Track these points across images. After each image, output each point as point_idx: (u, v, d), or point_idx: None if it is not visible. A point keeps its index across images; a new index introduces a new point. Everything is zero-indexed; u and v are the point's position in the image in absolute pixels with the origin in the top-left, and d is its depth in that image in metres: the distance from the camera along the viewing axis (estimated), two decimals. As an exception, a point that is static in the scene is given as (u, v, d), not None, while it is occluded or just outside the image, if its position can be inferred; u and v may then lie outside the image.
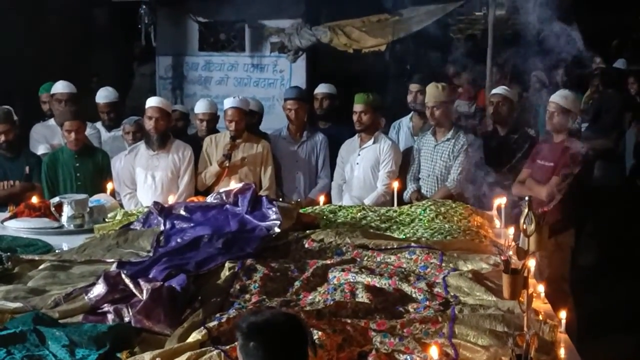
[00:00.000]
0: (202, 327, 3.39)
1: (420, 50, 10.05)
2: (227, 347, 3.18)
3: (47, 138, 7.28)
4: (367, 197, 6.49)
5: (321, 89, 7.44)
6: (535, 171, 6.13)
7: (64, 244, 5.03)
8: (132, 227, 5.09)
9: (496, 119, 6.86)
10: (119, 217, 5.52)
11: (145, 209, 5.41)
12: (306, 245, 4.61)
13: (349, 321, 3.51)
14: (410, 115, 7.26)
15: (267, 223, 4.77)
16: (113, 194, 6.26)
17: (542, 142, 6.38)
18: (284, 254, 4.55)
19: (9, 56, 9.26)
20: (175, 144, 6.60)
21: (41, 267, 4.49)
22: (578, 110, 6.28)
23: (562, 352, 3.33)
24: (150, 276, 3.97)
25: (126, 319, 3.61)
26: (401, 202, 6.15)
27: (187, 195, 6.36)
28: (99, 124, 7.51)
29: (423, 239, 4.82)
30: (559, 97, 6.04)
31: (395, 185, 6.07)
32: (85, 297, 3.82)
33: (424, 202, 5.76)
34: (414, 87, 7.12)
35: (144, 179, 6.53)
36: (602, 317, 6.45)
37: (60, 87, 7.33)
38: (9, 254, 4.56)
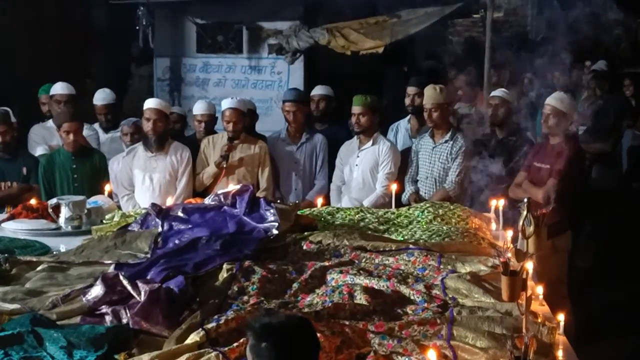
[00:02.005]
0: (200, 329, 3.37)
1: (418, 52, 10.06)
2: (226, 348, 3.17)
3: (45, 139, 7.27)
4: (366, 199, 6.50)
5: (317, 90, 7.47)
6: (532, 174, 6.14)
7: (62, 245, 5.01)
8: (130, 228, 5.08)
9: (494, 121, 6.87)
10: (116, 219, 5.51)
11: (143, 211, 5.40)
12: (304, 247, 4.60)
13: (347, 323, 3.50)
14: (408, 117, 7.27)
15: (265, 225, 4.76)
16: (111, 195, 6.25)
17: (539, 144, 6.39)
18: (282, 256, 4.54)
19: (7, 58, 9.26)
20: (173, 145, 6.59)
21: (39, 268, 4.47)
22: (574, 112, 6.30)
23: (560, 354, 3.33)
24: (148, 278, 3.96)
25: (124, 321, 3.60)
26: (399, 204, 6.15)
27: (185, 197, 6.35)
28: (96, 126, 7.51)
29: (421, 241, 4.81)
30: (554, 100, 6.05)
31: (394, 187, 6.07)
32: (83, 299, 3.81)
33: (422, 204, 5.76)
34: (411, 89, 7.13)
35: (142, 180, 6.52)
36: (600, 319, 6.45)
37: (60, 88, 7.33)
38: (6, 255, 4.54)
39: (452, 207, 5.53)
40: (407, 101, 7.17)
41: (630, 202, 8.66)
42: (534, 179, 6.09)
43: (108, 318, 3.65)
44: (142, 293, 3.67)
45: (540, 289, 3.99)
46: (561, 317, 3.63)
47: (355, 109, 6.63)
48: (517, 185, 6.14)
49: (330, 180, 6.94)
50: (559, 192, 5.86)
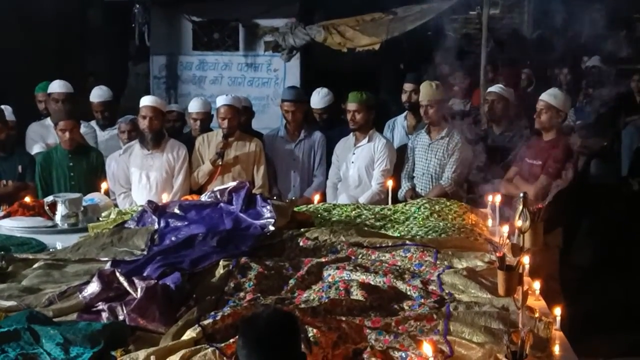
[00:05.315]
0: (197, 325, 3.38)
1: (414, 49, 10.05)
2: (222, 344, 3.17)
3: (43, 137, 7.28)
4: (362, 196, 6.49)
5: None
6: (523, 169, 6.13)
7: (58, 242, 5.02)
8: (126, 225, 5.08)
9: (491, 117, 6.87)
10: (113, 216, 5.51)
11: (140, 208, 5.40)
12: (301, 244, 4.60)
13: (343, 319, 3.50)
14: (404, 114, 7.27)
15: (262, 221, 4.76)
16: (107, 193, 6.25)
17: (532, 140, 6.39)
18: (278, 252, 4.55)
19: (4, 55, 9.25)
20: (169, 143, 6.59)
21: (35, 265, 4.48)
22: (567, 109, 6.29)
23: (556, 349, 3.33)
24: (145, 274, 3.96)
25: (120, 317, 3.60)
26: (396, 201, 6.15)
27: (181, 194, 6.35)
28: (93, 123, 7.50)
29: (418, 237, 4.81)
30: (548, 96, 6.05)
31: (390, 183, 6.07)
32: (80, 296, 3.81)
33: (418, 200, 5.77)
34: (408, 86, 7.13)
35: (139, 178, 6.52)
36: (597, 315, 6.45)
37: (57, 86, 7.33)
38: (2, 252, 4.56)
39: (448, 203, 5.54)
40: (404, 98, 7.16)
41: (629, 198, 8.65)
42: (525, 174, 6.09)
43: (104, 315, 3.66)
44: (139, 290, 3.68)
45: (537, 284, 4.00)
46: (558, 311, 3.63)
47: (351, 106, 6.62)
48: (508, 181, 6.14)
49: (327, 177, 6.94)
50: (552, 188, 5.85)
